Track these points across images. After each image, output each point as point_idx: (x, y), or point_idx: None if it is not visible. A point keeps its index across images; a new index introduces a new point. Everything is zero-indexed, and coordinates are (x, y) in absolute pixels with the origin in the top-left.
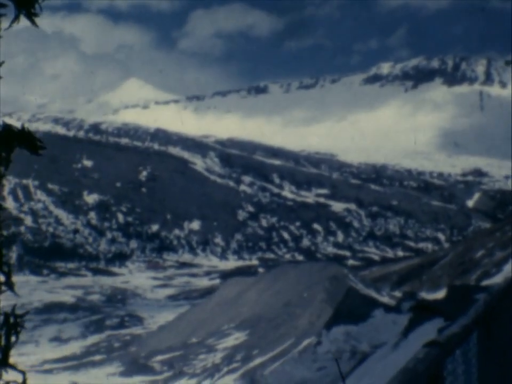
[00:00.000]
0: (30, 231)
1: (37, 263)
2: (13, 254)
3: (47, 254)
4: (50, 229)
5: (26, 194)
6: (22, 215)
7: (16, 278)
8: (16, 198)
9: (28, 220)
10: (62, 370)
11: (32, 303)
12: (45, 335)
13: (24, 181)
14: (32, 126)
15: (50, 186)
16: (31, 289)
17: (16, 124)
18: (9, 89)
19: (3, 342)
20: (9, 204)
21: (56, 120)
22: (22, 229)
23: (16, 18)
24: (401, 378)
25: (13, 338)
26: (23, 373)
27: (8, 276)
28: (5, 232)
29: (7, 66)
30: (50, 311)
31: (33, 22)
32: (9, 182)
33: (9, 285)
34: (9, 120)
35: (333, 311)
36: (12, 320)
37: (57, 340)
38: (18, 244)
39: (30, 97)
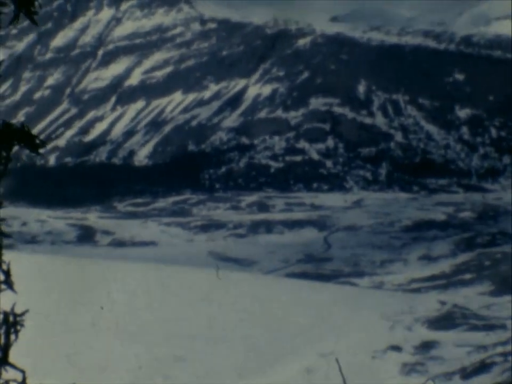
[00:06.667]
0: (400, 147)
1: (407, 180)
2: (382, 171)
3: (417, 171)
4: (421, 145)
5: (396, 109)
6: (391, 131)
7: (385, 195)
8: (385, 114)
9: (398, 136)
10: (430, 289)
11: (401, 220)
12: (413, 253)
13: (394, 96)
14: (401, 40)
15: (420, 101)
16: (401, 207)
17: (382, 38)
18: (377, 2)
19: (3, 341)
20: (379, 119)
21: (426, 33)
22: (392, 145)
23: (16, 17)
24: None
25: (13, 337)
26: (22, 372)
27: (7, 274)
28: (373, 149)
29: None
30: (419, 228)
31: (32, 21)
32: (379, 97)
33: (9, 283)
34: (376, 35)
35: None
36: (11, 319)
37: (426, 258)
38: (387, 161)
39: (399, 10)
